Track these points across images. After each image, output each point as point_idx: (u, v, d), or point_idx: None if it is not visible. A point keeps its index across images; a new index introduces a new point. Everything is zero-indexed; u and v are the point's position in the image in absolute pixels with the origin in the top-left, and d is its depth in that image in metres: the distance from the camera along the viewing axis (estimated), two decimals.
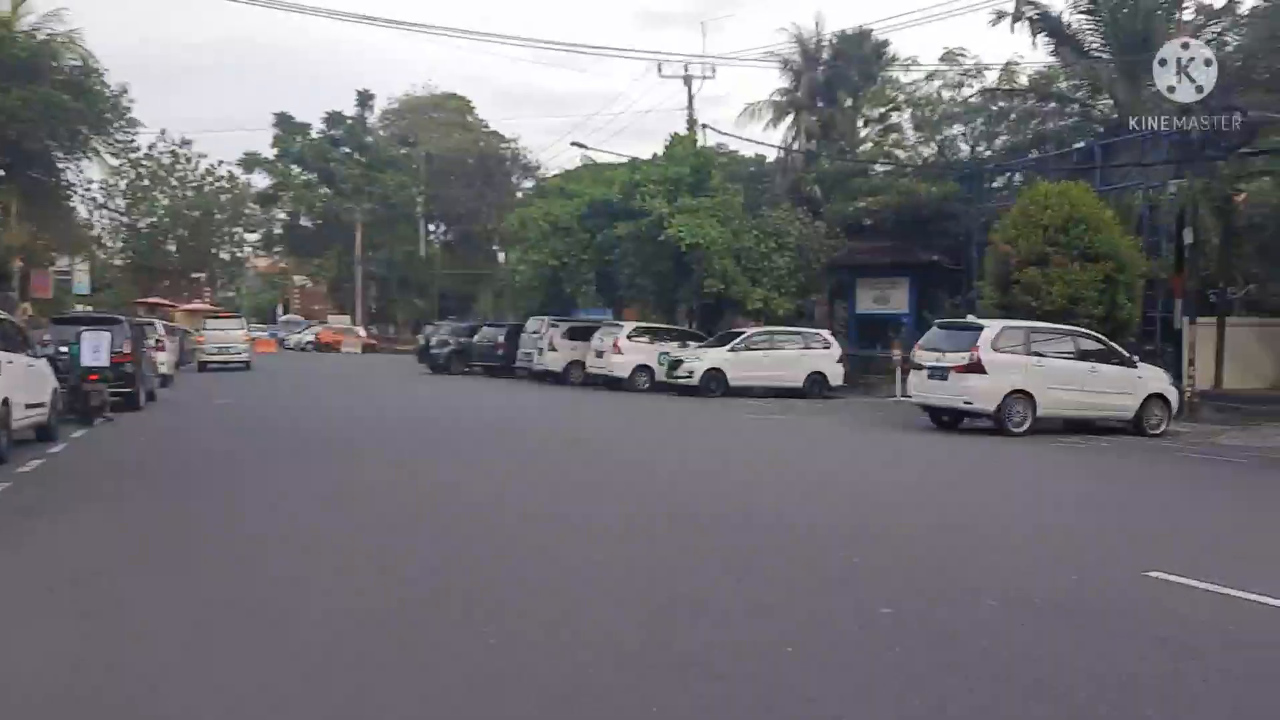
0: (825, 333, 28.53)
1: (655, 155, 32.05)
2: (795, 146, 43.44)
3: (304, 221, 77.37)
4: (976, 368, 18.07)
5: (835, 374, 27.87)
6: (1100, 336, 19.29)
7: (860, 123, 46.45)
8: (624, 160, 36.12)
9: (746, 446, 17.23)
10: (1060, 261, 20.44)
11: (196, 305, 63.10)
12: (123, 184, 57.11)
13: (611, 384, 29.80)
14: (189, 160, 60.98)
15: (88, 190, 57.41)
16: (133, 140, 37.63)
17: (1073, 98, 32.14)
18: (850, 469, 14.59)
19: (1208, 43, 28.90)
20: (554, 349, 32.18)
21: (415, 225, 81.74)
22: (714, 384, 27.06)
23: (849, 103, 45.79)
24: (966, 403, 18.35)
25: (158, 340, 28.41)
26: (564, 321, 33.55)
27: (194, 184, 61.38)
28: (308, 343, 65.87)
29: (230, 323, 40.32)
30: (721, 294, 28.83)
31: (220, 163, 62.85)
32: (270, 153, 72.64)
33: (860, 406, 25.50)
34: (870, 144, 45.17)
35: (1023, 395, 18.18)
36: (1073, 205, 20.81)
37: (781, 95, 46.44)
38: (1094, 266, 20.47)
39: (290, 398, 26.79)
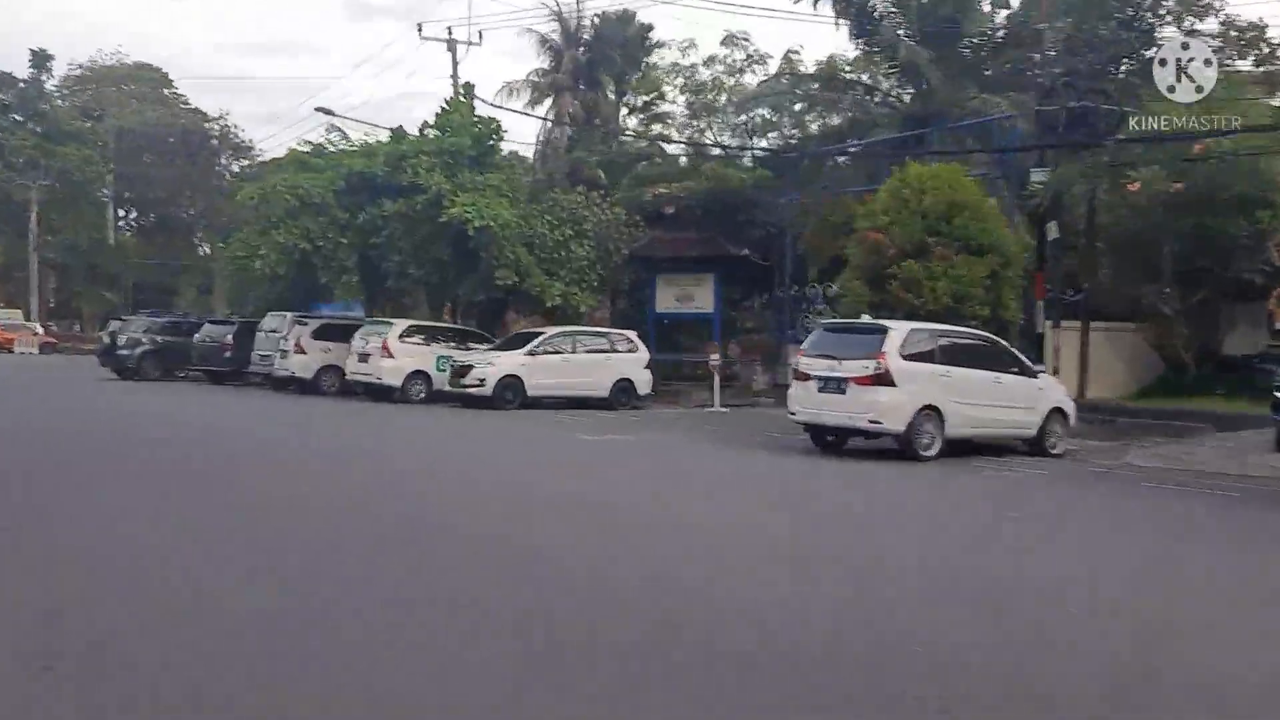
0: (631, 334, 24.44)
1: (425, 124, 26.72)
2: (555, 132, 39.25)
3: None
4: (884, 379, 14.56)
5: (644, 381, 23.91)
6: (1002, 342, 16.39)
7: (624, 110, 43.09)
8: (373, 136, 30.40)
9: (617, 484, 12.81)
10: (943, 254, 17.41)
11: None
12: None
13: (377, 393, 24.38)
14: None
15: None
16: None
17: (872, 85, 29.90)
18: (771, 509, 10.55)
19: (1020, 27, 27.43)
20: (301, 351, 26.23)
21: (102, 208, 70.75)
22: (510, 394, 22.37)
23: (612, 88, 42.30)
24: (873, 421, 14.74)
25: None
26: (313, 318, 27.61)
27: None
28: None
29: None
30: (515, 287, 24.06)
31: None
32: None
33: (684, 420, 21.63)
34: (631, 133, 41.90)
35: (932, 412, 14.86)
36: (953, 190, 17.87)
37: (541, 76, 42.15)
38: (979, 261, 17.61)
39: None
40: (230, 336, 29.99)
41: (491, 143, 25.51)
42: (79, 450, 14.19)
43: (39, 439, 15.57)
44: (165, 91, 76.19)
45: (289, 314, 28.40)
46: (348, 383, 25.70)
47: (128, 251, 70.77)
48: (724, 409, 23.27)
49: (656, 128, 41.84)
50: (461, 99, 27.02)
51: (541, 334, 23.28)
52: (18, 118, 64.21)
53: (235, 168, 69.39)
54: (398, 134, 26.84)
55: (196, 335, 31.03)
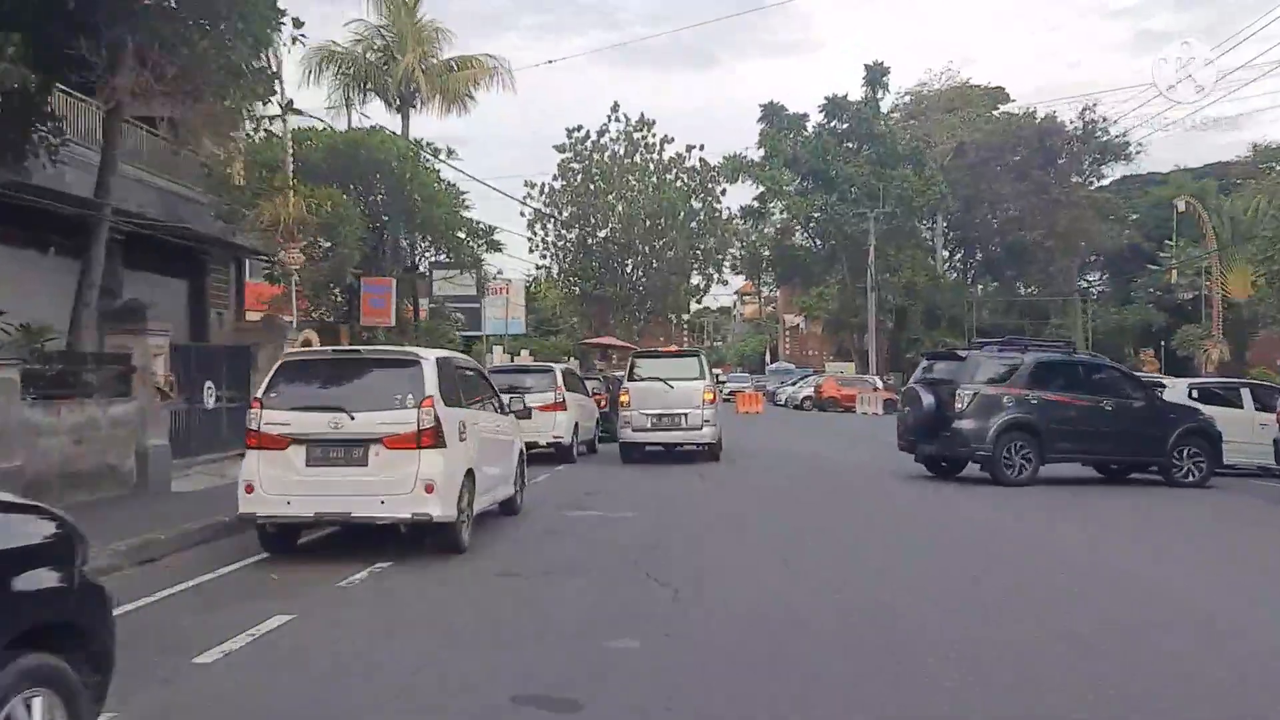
0: None
1: None
2: None
3: (798, 240, 56.89)
4: None
5: None
6: None
7: None
8: None
9: None
10: None
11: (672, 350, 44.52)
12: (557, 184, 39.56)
13: None
14: (650, 148, 42.33)
15: (528, 198, 41.98)
16: None
17: None
18: None
19: None
20: None
21: (933, 240, 58.39)
22: None
23: None
24: None
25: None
26: None
27: (654, 176, 42.32)
28: (805, 398, 44.59)
29: (679, 365, 18.51)
30: None
31: (690, 148, 43.33)
32: (756, 154, 52.97)
33: None
34: None
35: None
36: None
37: None
38: None
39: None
40: None
41: None
42: None
43: None
44: (995, 112, 61.88)
45: None
46: None
47: (962, 289, 57.63)
48: None
49: None
50: None
51: None
52: (850, 145, 54.55)
53: (1106, 175, 52.25)
54: None
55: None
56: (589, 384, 25.15)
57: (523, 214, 40.51)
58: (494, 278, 39.10)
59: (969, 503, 13.15)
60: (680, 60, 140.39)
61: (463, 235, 23.87)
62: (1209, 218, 41.54)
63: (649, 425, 17.83)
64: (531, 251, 42.04)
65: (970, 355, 15.82)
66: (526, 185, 41.53)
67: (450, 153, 24.56)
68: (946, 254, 61.48)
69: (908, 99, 64.57)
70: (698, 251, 44.19)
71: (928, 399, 15.14)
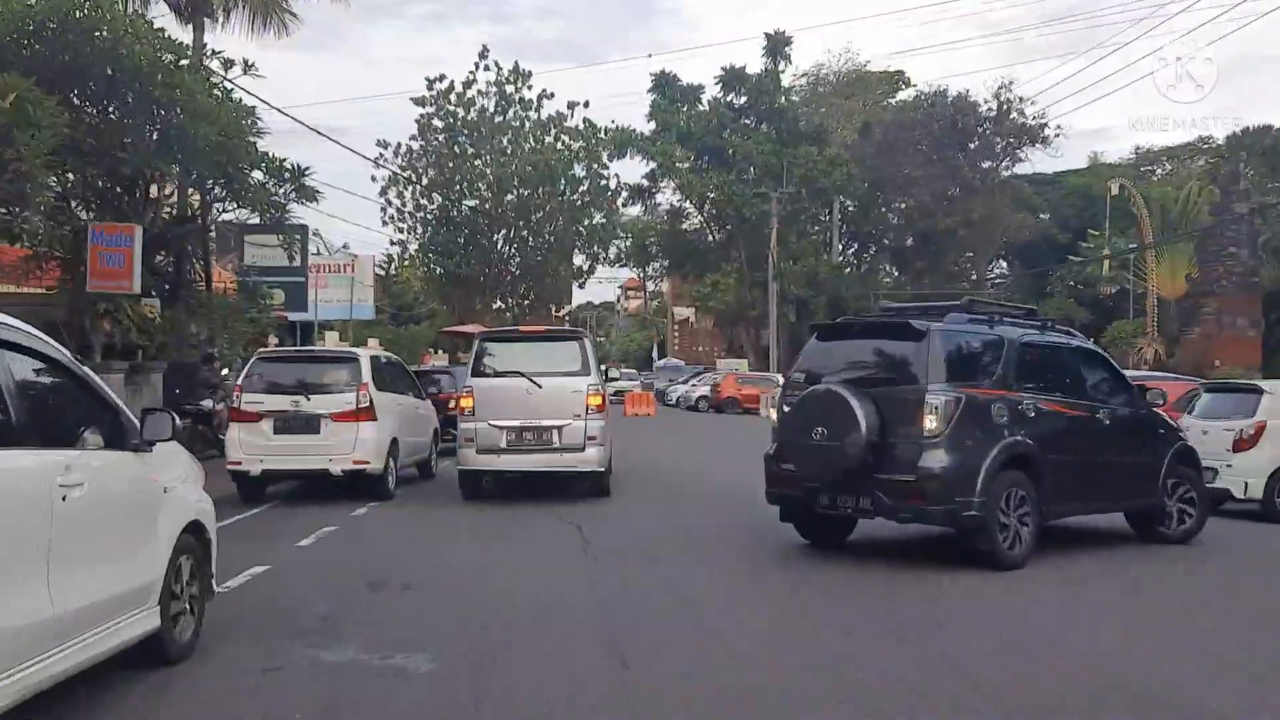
0: None
1: None
2: None
3: (691, 224, 51.33)
4: None
5: None
6: None
7: None
8: None
9: None
10: None
11: (540, 330, 38.28)
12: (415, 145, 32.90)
13: None
14: (525, 105, 35.91)
15: (381, 160, 35.08)
16: None
17: None
18: None
19: None
20: None
21: (830, 229, 53.63)
22: None
23: None
24: None
25: None
26: None
27: (530, 138, 35.79)
28: (700, 398, 39.01)
29: (551, 353, 12.11)
30: None
31: (574, 105, 36.90)
32: (646, 127, 47.16)
33: None
34: None
35: None
36: None
37: None
38: None
39: None
40: None
41: None
42: None
43: None
44: (894, 100, 57.73)
45: None
46: None
47: (870, 281, 53.03)
48: None
49: None
50: None
51: None
52: (749, 121, 49.25)
53: (1026, 159, 48.09)
54: None
55: None
56: (439, 379, 19.14)
57: (374, 178, 33.79)
58: (337, 251, 32.41)
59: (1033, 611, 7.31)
60: (567, 56, 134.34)
61: (259, 175, 17.20)
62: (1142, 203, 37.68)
63: (503, 444, 11.71)
64: (386, 224, 35.29)
65: (931, 330, 8.12)
66: (380, 145, 34.74)
67: (249, 66, 17.85)
68: (840, 246, 56.93)
69: (805, 80, 60.06)
70: (581, 228, 37.93)
71: (866, 412, 7.84)
